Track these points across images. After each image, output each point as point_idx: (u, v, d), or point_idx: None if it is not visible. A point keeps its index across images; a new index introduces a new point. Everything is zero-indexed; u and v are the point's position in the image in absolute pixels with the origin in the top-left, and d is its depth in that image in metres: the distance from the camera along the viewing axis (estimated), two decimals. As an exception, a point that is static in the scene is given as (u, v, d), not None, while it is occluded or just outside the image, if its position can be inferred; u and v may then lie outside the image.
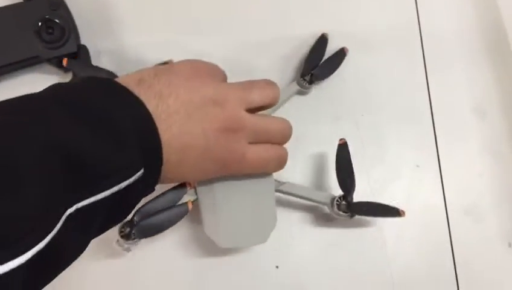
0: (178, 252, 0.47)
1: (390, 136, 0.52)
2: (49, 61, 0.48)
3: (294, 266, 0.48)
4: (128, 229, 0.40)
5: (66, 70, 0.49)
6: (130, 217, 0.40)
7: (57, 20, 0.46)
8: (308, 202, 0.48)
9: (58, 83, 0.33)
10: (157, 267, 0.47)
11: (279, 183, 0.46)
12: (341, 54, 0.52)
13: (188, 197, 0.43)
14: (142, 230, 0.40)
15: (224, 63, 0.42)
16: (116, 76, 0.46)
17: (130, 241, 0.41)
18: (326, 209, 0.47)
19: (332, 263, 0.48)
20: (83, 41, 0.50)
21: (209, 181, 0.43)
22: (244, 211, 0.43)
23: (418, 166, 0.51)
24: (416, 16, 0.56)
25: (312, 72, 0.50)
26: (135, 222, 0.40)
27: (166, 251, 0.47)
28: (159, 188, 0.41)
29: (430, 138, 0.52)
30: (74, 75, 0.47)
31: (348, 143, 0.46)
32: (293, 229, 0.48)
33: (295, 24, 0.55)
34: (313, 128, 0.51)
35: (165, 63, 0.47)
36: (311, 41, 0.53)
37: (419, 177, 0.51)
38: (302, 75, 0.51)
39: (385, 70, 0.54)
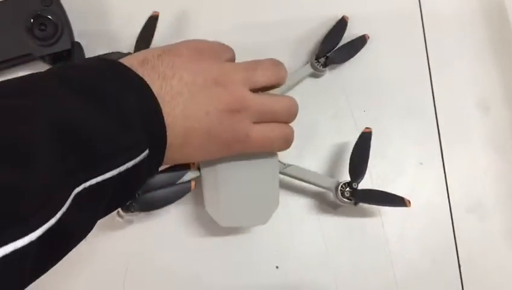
0: (179, 230, 0.47)
1: (393, 132, 0.51)
2: (43, 58, 0.46)
3: (294, 265, 0.47)
4: (129, 202, 0.40)
5: (60, 67, 0.48)
6: None
7: (49, 17, 0.45)
8: (312, 188, 0.47)
9: (63, 63, 0.32)
10: (158, 243, 0.46)
11: (284, 165, 0.45)
12: (361, 41, 0.51)
13: (191, 175, 0.42)
14: (142, 204, 0.41)
15: (237, 43, 0.41)
16: (122, 54, 0.46)
17: (130, 214, 0.41)
18: (331, 197, 0.46)
19: (334, 262, 0.47)
20: (77, 38, 0.48)
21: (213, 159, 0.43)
22: (247, 190, 0.43)
23: (421, 163, 0.50)
24: (419, 10, 0.55)
25: (327, 54, 0.49)
26: (137, 195, 0.40)
27: (169, 227, 0.47)
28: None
29: (434, 135, 0.51)
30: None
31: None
32: (294, 229, 0.48)
33: (312, 5, 0.54)
34: (322, 113, 0.51)
35: (152, 17, 0.47)
36: (328, 24, 0.52)
37: (422, 174, 0.50)
38: (317, 57, 0.50)
39: (388, 65, 0.53)
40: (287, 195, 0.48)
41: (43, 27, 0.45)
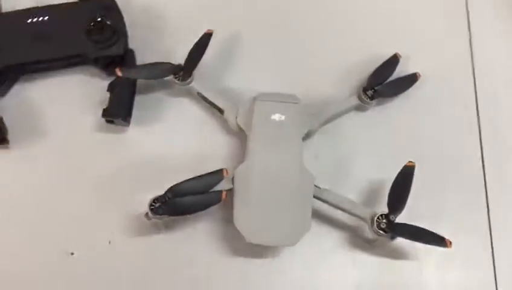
0: (205, 246, 0.45)
1: (436, 173, 0.48)
2: (96, 61, 0.48)
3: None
4: (158, 204, 0.40)
5: (109, 74, 0.49)
6: (162, 192, 0.40)
7: (108, 22, 0.47)
8: (346, 221, 0.45)
9: None
10: (182, 256, 0.45)
11: (320, 189, 0.43)
12: (412, 78, 0.51)
13: (223, 185, 0.42)
14: (171, 208, 0.40)
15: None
16: (173, 65, 0.47)
17: (157, 217, 0.40)
18: (365, 230, 0.44)
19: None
20: (132, 45, 0.50)
21: (248, 173, 0.42)
22: (278, 210, 0.41)
23: (464, 208, 0.47)
24: (471, 58, 0.54)
25: (376, 88, 0.49)
26: (166, 199, 0.40)
27: (194, 243, 0.45)
28: (195, 171, 0.41)
29: (479, 181, 0.49)
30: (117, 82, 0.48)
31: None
32: (324, 260, 0.45)
33: (362, 40, 0.55)
34: (364, 147, 0.50)
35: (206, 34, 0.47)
36: (377, 61, 0.51)
37: (465, 221, 0.47)
38: (365, 90, 0.49)
39: (435, 108, 0.52)
40: (319, 225, 0.46)
41: (101, 31, 0.47)
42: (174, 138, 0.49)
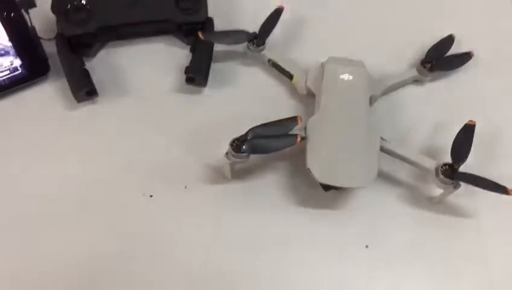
0: (274, 197, 0.48)
1: (496, 142, 0.51)
2: (179, 28, 0.53)
3: (385, 249, 0.45)
4: (239, 143, 0.43)
5: (189, 43, 0.55)
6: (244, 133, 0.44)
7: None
8: (407, 179, 0.47)
9: None
10: (251, 205, 0.47)
11: (386, 141, 0.46)
12: (466, 56, 0.55)
13: (298, 132, 0.45)
14: (251, 146, 0.43)
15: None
16: (248, 32, 0.52)
17: (238, 155, 0.43)
18: (424, 188, 0.46)
19: (426, 254, 0.45)
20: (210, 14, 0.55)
21: (320, 122, 0.46)
22: (348, 156, 0.44)
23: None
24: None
25: (433, 62, 0.53)
26: (247, 138, 0.43)
27: (265, 192, 0.48)
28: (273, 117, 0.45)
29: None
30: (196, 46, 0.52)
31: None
32: (387, 215, 0.47)
33: (418, 20, 0.60)
34: (422, 118, 0.53)
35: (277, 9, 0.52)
36: (432, 41, 0.56)
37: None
38: (423, 62, 0.53)
39: (491, 85, 0.55)
40: (380, 182, 0.48)
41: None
42: (245, 102, 0.53)
